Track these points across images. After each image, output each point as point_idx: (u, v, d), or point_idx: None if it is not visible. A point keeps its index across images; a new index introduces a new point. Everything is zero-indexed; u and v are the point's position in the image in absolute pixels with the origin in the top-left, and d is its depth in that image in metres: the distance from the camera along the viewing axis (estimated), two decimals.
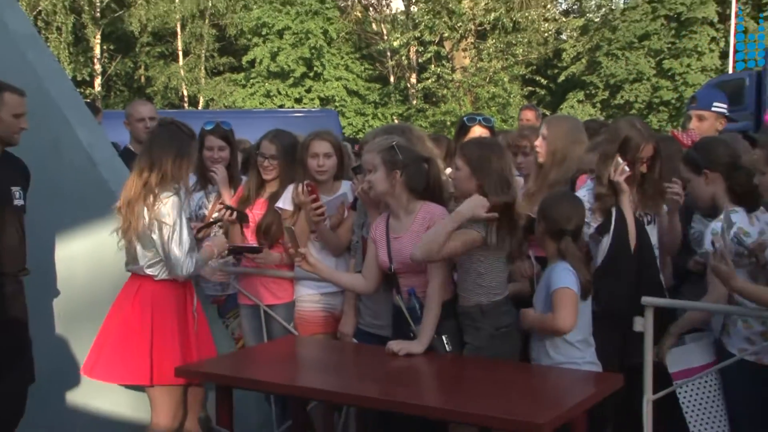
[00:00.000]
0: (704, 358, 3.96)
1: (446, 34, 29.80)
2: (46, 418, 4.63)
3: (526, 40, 29.28)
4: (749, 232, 3.80)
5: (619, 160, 3.94)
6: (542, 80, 30.13)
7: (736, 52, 23.74)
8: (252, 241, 4.75)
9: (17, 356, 4.30)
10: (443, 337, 3.85)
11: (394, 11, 33.94)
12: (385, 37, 32.08)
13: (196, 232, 4.52)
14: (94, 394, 4.67)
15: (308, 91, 30.14)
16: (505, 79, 28.61)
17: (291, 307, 4.68)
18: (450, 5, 29.14)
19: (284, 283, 4.71)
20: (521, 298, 4.06)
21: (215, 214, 4.73)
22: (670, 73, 27.34)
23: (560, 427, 3.18)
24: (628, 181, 3.95)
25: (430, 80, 29.53)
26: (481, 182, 3.79)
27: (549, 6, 31.63)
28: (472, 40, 30.45)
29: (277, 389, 4.03)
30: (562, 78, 29.88)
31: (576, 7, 33.96)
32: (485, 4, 29.48)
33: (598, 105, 28.97)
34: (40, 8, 28.12)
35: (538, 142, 4.50)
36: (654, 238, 4.14)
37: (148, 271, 4.11)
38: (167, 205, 4.03)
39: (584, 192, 4.03)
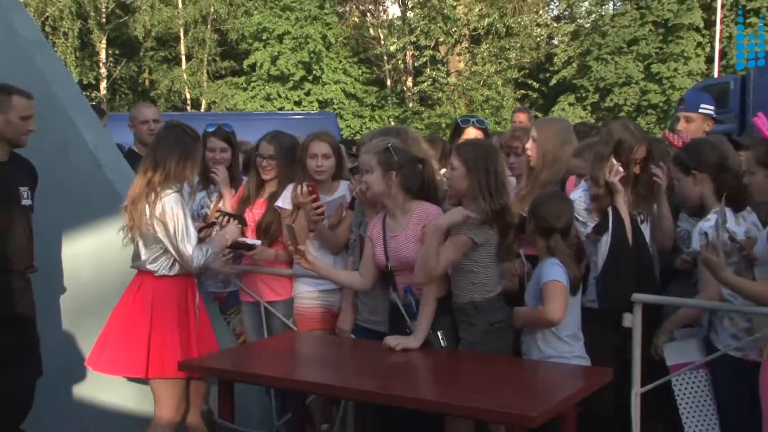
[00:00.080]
0: (701, 353, 3.96)
1: (441, 39, 29.82)
2: (54, 411, 4.63)
3: (518, 44, 29.30)
4: (735, 231, 3.81)
5: (614, 161, 3.95)
6: (534, 84, 30.16)
7: (721, 56, 23.83)
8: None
9: (25, 351, 4.30)
10: (438, 333, 3.86)
11: (390, 17, 34.00)
12: (382, 42, 32.09)
13: (198, 232, 4.51)
14: (100, 388, 4.66)
15: (307, 94, 30.14)
16: (499, 83, 28.64)
17: (290, 304, 4.68)
18: (445, 11, 29.17)
19: (284, 280, 4.71)
20: (510, 295, 4.06)
21: (213, 220, 4.73)
22: (657, 77, 27.39)
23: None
24: (623, 181, 3.95)
25: (425, 83, 29.55)
26: (475, 182, 3.79)
27: (541, 12, 31.65)
28: (467, 45, 30.47)
29: (277, 383, 4.03)
30: (553, 81, 29.90)
31: (567, 13, 33.96)
32: (479, 10, 29.50)
33: (589, 108, 29.02)
34: (47, 14, 28.08)
35: (529, 145, 4.50)
36: (647, 237, 4.15)
37: (150, 267, 4.11)
38: (169, 202, 4.03)
39: (580, 193, 4.03)
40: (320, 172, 4.55)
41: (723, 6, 25.44)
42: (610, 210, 3.92)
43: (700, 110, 5.05)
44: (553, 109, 29.17)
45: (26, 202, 4.30)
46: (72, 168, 4.70)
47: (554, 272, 3.79)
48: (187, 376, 4.15)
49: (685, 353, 3.98)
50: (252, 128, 8.15)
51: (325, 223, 4.48)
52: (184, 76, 30.64)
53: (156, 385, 4.12)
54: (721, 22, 25.32)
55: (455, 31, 29.46)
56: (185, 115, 20.51)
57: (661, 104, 27.24)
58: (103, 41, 30.39)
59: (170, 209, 4.02)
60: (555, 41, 31.79)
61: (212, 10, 30.76)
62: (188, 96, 31.06)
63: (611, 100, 28.04)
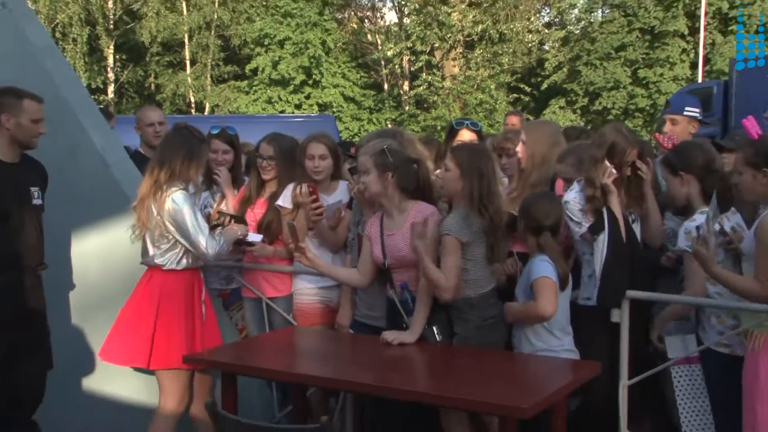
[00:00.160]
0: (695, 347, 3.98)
1: (437, 45, 29.83)
2: (64, 402, 4.62)
3: (511, 50, 29.30)
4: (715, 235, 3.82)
5: (607, 163, 3.95)
6: (526, 88, 30.20)
7: (705, 62, 23.87)
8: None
9: (37, 345, 4.30)
10: (434, 328, 3.85)
11: (387, 23, 33.97)
12: (380, 47, 32.07)
13: None
14: (109, 380, 4.66)
15: (307, 97, 30.13)
16: (492, 87, 28.67)
17: (291, 300, 4.68)
18: (440, 17, 29.18)
19: (284, 277, 4.71)
20: (500, 290, 4.06)
21: (215, 222, 4.73)
22: (644, 82, 27.44)
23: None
24: (616, 183, 3.95)
25: (421, 87, 29.55)
26: (467, 185, 3.79)
27: (532, 19, 31.66)
28: (461, 50, 30.48)
29: (279, 376, 4.03)
30: (544, 86, 29.94)
31: (558, 20, 33.99)
32: (473, 17, 29.52)
33: (578, 111, 29.07)
34: (57, 21, 28.07)
35: (519, 147, 4.51)
36: (638, 236, 4.15)
37: (158, 261, 4.11)
38: (176, 198, 4.03)
39: (574, 194, 4.03)
40: (317, 173, 4.54)
41: (706, 14, 25.51)
42: (604, 210, 3.92)
43: (685, 113, 5.05)
44: (544, 112, 29.20)
45: (37, 201, 4.29)
46: (80, 168, 4.70)
47: (544, 269, 3.80)
48: (192, 368, 4.14)
49: (685, 346, 3.99)
50: (254, 130, 8.13)
51: (324, 222, 4.47)
52: (189, 80, 30.62)
53: (161, 375, 4.12)
54: (705, 30, 25.39)
55: (450, 37, 29.47)
56: (189, 118, 20.48)
57: (647, 108, 27.29)
58: (111, 47, 30.37)
59: (178, 205, 4.02)
60: (546, 47, 31.81)
61: (216, 16, 30.75)
62: (192, 99, 31.04)
63: (600, 103, 28.09)
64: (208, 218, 4.92)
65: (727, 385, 3.77)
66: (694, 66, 26.56)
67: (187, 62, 31.29)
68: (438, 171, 4.35)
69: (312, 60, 29.55)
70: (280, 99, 29.91)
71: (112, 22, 30.29)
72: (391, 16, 34.10)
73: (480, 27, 29.16)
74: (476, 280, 3.84)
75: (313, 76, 29.99)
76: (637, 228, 4.13)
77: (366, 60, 32.66)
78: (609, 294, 3.85)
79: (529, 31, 30.68)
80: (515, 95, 30.29)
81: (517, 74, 30.44)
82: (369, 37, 33.94)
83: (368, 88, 32.07)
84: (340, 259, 4.56)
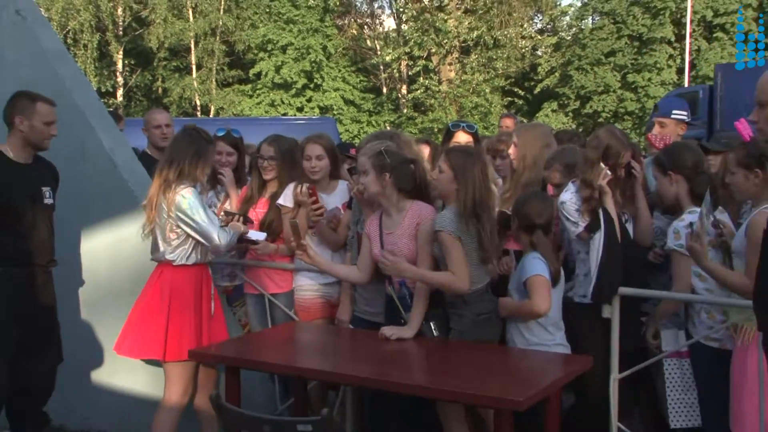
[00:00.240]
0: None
1: (433, 50, 29.85)
2: (73, 394, 4.62)
3: (505, 55, 29.34)
4: (708, 230, 3.80)
5: (602, 165, 3.94)
6: (520, 91, 30.24)
7: (691, 67, 23.88)
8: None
9: (47, 339, 4.30)
10: (431, 323, 3.84)
11: (386, 29, 33.97)
12: (379, 53, 32.09)
13: None
14: (116, 373, 4.66)
15: (309, 100, 30.15)
16: (487, 90, 28.69)
17: (292, 296, 4.66)
18: (437, 24, 29.20)
19: (285, 274, 4.69)
20: (493, 286, 4.05)
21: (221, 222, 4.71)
22: (633, 86, 27.49)
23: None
24: (610, 184, 3.94)
25: (419, 91, 29.58)
26: (461, 187, 3.78)
27: (526, 25, 31.70)
28: (457, 55, 30.52)
29: (280, 370, 4.01)
30: (537, 89, 29.96)
31: (550, 26, 34.02)
32: (468, 23, 29.56)
33: (570, 114, 29.11)
34: (69, 28, 28.10)
35: (511, 150, 4.50)
36: (631, 235, 4.15)
37: (168, 257, 4.09)
38: (185, 195, 4.01)
39: (569, 195, 4.02)
40: (314, 172, 4.53)
41: (692, 22, 25.54)
42: (600, 210, 3.91)
43: (673, 116, 5.04)
44: (537, 115, 29.23)
45: (48, 201, 4.29)
46: (90, 169, 4.69)
47: (537, 267, 3.79)
48: (198, 361, 4.13)
49: (677, 341, 3.99)
50: (257, 132, 8.09)
51: (323, 222, 4.46)
52: (195, 84, 30.64)
53: (170, 367, 4.10)
54: (690, 36, 25.42)
55: (446, 42, 29.49)
56: (195, 120, 20.42)
57: (636, 111, 27.33)
58: (120, 52, 30.41)
59: (188, 200, 4.01)
60: (539, 52, 31.85)
61: (221, 23, 30.79)
62: (198, 102, 31.05)
63: (591, 107, 28.13)
64: None
65: (716, 379, 3.76)
66: (680, 71, 26.60)
67: (193, 67, 31.31)
68: (433, 172, 4.33)
69: (313, 64, 29.57)
70: (283, 102, 29.92)
71: (121, 28, 30.33)
72: (389, 23, 34.15)
73: (475, 33, 29.21)
74: (471, 276, 3.82)
75: (315, 80, 30.01)
76: (630, 227, 4.12)
77: (365, 65, 32.66)
78: (604, 291, 3.84)
79: (523, 37, 30.73)
80: (509, 99, 30.32)
81: (511, 78, 30.48)
82: (368, 42, 33.94)
83: (367, 92, 32.08)
84: (339, 257, 4.55)
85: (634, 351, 3.98)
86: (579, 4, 31.84)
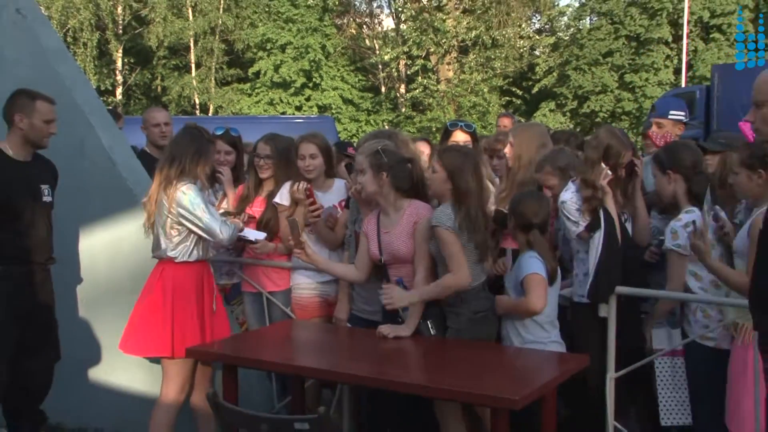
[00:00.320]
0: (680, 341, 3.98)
1: (432, 50, 29.85)
2: (71, 393, 4.61)
3: (503, 55, 29.36)
4: (708, 224, 3.82)
5: (603, 165, 3.94)
6: (518, 91, 30.25)
7: (688, 68, 23.88)
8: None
9: (45, 337, 4.28)
10: (428, 322, 3.83)
11: (385, 29, 33.97)
12: (377, 52, 32.09)
13: None
14: (113, 371, 4.66)
15: (307, 99, 30.15)
16: (485, 90, 28.69)
17: (289, 294, 4.65)
18: (435, 24, 29.19)
19: (282, 272, 4.69)
20: (489, 284, 4.05)
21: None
22: (630, 86, 27.50)
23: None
24: (610, 183, 3.94)
25: (417, 90, 29.58)
26: (454, 185, 3.78)
27: (524, 25, 31.71)
28: (455, 55, 30.51)
29: (278, 368, 4.01)
30: (535, 89, 29.98)
31: (548, 26, 34.03)
32: (467, 23, 29.56)
33: (568, 114, 29.13)
34: (68, 26, 28.08)
35: (507, 149, 4.50)
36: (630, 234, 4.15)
37: (170, 254, 4.08)
38: (186, 191, 4.01)
39: (570, 194, 4.02)
40: (308, 171, 4.53)
41: (689, 22, 25.56)
42: (601, 210, 3.90)
43: (670, 116, 5.03)
44: (535, 114, 29.24)
45: (47, 199, 4.28)
46: (89, 166, 4.68)
47: (533, 265, 3.79)
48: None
49: (670, 339, 4.00)
50: (256, 131, 8.07)
51: (321, 221, 4.45)
52: (194, 82, 30.62)
53: (169, 364, 4.09)
54: (687, 37, 25.44)
55: (445, 42, 29.49)
56: (194, 119, 20.43)
57: (634, 111, 27.35)
58: (120, 51, 30.39)
59: (188, 195, 4.00)
60: (537, 52, 31.86)
61: (220, 22, 30.77)
62: (197, 101, 31.03)
63: (588, 106, 28.14)
64: None
65: (711, 378, 3.77)
66: (677, 71, 26.63)
67: (193, 65, 31.29)
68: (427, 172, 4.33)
69: (312, 64, 29.56)
70: (282, 101, 29.92)
71: (121, 27, 30.31)
72: (388, 22, 34.15)
73: (473, 33, 29.21)
74: (470, 270, 3.81)
75: (313, 79, 30.01)
76: (629, 227, 4.12)
77: (364, 64, 32.66)
78: (600, 290, 3.84)
79: (521, 37, 30.74)
80: (507, 98, 30.33)
81: (509, 78, 30.50)
82: (367, 42, 33.94)
83: (366, 91, 32.08)
84: (337, 256, 4.54)
85: (633, 350, 3.98)
86: (577, 4, 31.95)
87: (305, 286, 4.56)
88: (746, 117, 2.73)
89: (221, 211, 4.74)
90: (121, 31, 30.32)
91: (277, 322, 4.62)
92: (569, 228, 4.01)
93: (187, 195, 4.00)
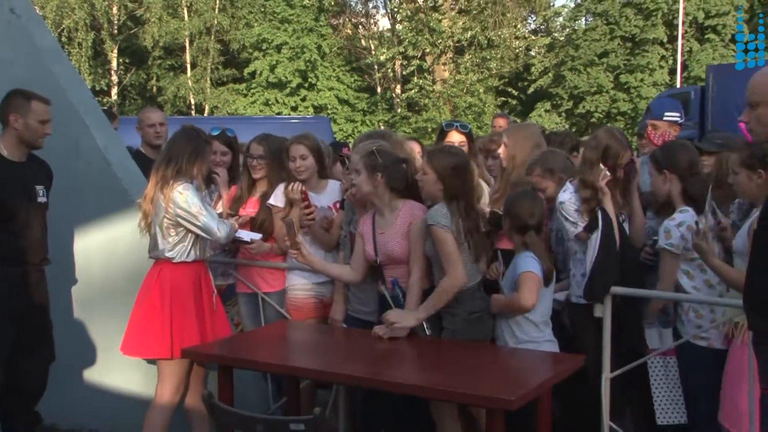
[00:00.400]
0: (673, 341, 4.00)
1: (428, 50, 29.86)
2: (66, 394, 4.60)
3: (499, 55, 29.36)
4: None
5: (601, 166, 3.94)
6: (513, 91, 30.26)
7: (683, 68, 23.91)
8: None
9: (40, 338, 4.27)
10: (424, 323, 3.83)
11: (381, 29, 33.98)
12: (373, 52, 32.09)
13: None
14: (108, 372, 4.64)
15: (303, 100, 30.12)
16: (481, 90, 28.69)
17: (283, 295, 4.65)
18: (431, 24, 29.20)
19: (277, 273, 4.68)
20: (484, 285, 4.05)
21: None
22: (626, 87, 27.54)
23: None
24: (609, 184, 3.94)
25: (413, 91, 29.57)
26: (445, 186, 3.78)
27: (519, 26, 31.72)
28: (451, 55, 30.52)
29: (273, 369, 4.00)
30: (531, 90, 30.00)
31: (543, 27, 34.06)
32: (462, 24, 29.57)
33: (563, 114, 29.15)
34: (63, 26, 28.01)
35: (501, 150, 4.50)
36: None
37: (168, 255, 4.07)
38: (183, 190, 4.00)
39: (568, 195, 4.02)
40: (300, 173, 4.52)
41: (683, 23, 25.61)
42: (599, 210, 3.91)
43: (665, 118, 5.05)
44: (530, 115, 29.26)
45: (42, 199, 4.27)
46: (84, 167, 4.67)
47: (529, 264, 3.80)
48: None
49: (662, 339, 4.00)
50: (252, 131, 8.06)
51: (317, 221, 4.44)
52: (189, 83, 30.57)
53: (164, 365, 4.08)
54: (682, 38, 25.49)
55: (440, 42, 29.49)
56: (190, 119, 20.42)
57: (629, 112, 27.39)
58: (115, 51, 30.35)
59: (185, 194, 3.99)
60: (532, 53, 31.89)
61: (216, 22, 30.73)
62: (193, 101, 30.99)
63: (584, 107, 28.17)
64: None
65: (704, 377, 3.79)
66: (672, 72, 26.67)
67: (188, 66, 31.25)
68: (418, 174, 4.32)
69: (308, 64, 29.54)
70: (277, 101, 29.90)
71: (116, 27, 30.27)
72: (384, 23, 34.15)
73: (469, 33, 29.22)
74: (466, 269, 3.81)
75: (309, 80, 29.99)
76: (626, 228, 4.13)
77: (360, 64, 32.66)
78: (596, 290, 3.85)
79: (516, 38, 30.76)
80: (503, 98, 30.34)
81: (505, 78, 30.51)
82: (363, 42, 33.95)
83: (362, 91, 32.08)
84: (332, 257, 4.54)
85: (629, 351, 3.99)
86: (572, 5, 31.94)
87: (301, 286, 4.56)
88: (741, 117, 2.73)
89: (218, 212, 4.74)
90: (116, 31, 30.28)
91: (272, 322, 4.61)
92: (567, 229, 4.01)
93: (183, 194, 4.00)
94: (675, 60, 26.02)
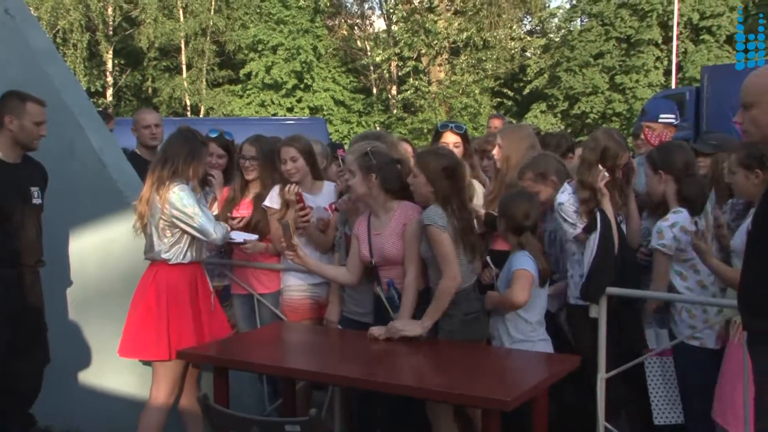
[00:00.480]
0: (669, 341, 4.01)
1: (423, 51, 29.86)
2: (60, 395, 4.59)
3: (494, 56, 29.37)
4: (690, 231, 3.83)
5: (600, 167, 3.95)
6: (509, 92, 30.28)
7: (678, 69, 23.94)
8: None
9: (34, 340, 4.27)
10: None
11: (376, 30, 33.96)
12: (369, 53, 32.07)
13: None
14: (103, 374, 4.64)
15: (299, 101, 30.11)
16: (476, 91, 28.71)
17: (278, 296, 4.64)
18: (427, 25, 29.20)
19: (272, 274, 4.68)
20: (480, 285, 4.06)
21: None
22: (621, 87, 27.57)
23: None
24: (608, 185, 3.95)
25: (408, 92, 29.57)
26: (435, 188, 3.78)
27: (515, 27, 31.73)
28: (447, 56, 30.53)
29: (269, 370, 4.00)
30: (526, 90, 30.01)
31: (539, 28, 34.09)
32: (458, 25, 29.59)
33: (559, 115, 29.18)
34: (58, 27, 27.97)
35: (496, 151, 4.51)
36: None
37: (164, 256, 4.06)
38: (179, 191, 3.99)
39: (567, 196, 4.02)
40: (292, 175, 4.51)
41: (678, 24, 25.66)
42: (597, 212, 3.92)
43: (660, 119, 5.05)
44: (526, 116, 29.28)
45: (37, 201, 4.27)
46: (79, 168, 4.67)
47: (523, 262, 3.81)
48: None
49: (658, 340, 4.02)
50: (247, 133, 8.04)
51: (312, 223, 4.44)
52: (185, 84, 30.54)
53: (159, 366, 4.08)
54: (677, 39, 25.54)
55: (436, 43, 29.50)
56: (185, 121, 20.37)
57: (624, 112, 27.42)
58: (110, 52, 30.29)
59: (180, 195, 3.99)
60: (528, 54, 31.91)
61: (211, 23, 30.71)
62: (188, 102, 30.96)
63: (579, 108, 28.20)
64: None
65: (699, 376, 3.81)
66: (667, 73, 26.72)
67: (184, 67, 31.22)
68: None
69: (303, 65, 29.54)
70: (273, 102, 29.89)
71: (111, 28, 30.22)
72: (379, 24, 34.13)
73: (465, 34, 29.23)
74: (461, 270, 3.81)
75: (305, 81, 29.98)
76: (624, 229, 4.14)
77: (355, 65, 32.65)
78: (592, 290, 3.85)
79: (512, 39, 30.76)
80: (498, 99, 30.36)
81: (500, 79, 30.53)
82: (358, 43, 33.93)
83: (357, 92, 32.08)
84: (327, 258, 4.53)
85: (629, 352, 4.00)
86: (567, 6, 31.97)
87: (296, 287, 4.55)
88: (735, 118, 2.74)
89: (213, 214, 4.73)
90: (111, 32, 30.22)
91: (267, 324, 4.61)
92: (566, 230, 4.01)
93: (179, 195, 3.99)
94: (670, 61, 26.07)
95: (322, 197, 4.61)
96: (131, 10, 29.97)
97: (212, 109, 30.37)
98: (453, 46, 30.31)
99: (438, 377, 3.39)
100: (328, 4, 31.50)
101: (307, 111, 29.60)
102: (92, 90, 28.47)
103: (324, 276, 4.32)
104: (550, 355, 3.80)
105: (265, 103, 29.92)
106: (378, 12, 34.29)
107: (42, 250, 4.29)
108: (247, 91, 30.74)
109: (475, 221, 4.01)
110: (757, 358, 2.64)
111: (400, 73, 31.39)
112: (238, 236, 4.47)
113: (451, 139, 4.92)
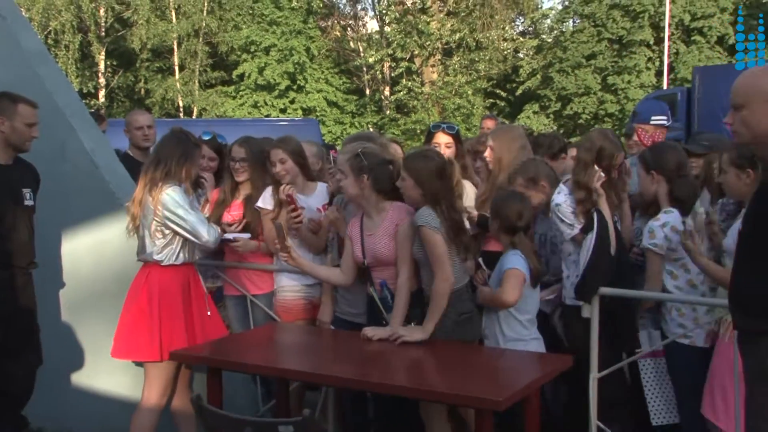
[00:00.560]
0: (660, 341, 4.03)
1: (416, 52, 29.88)
2: (53, 397, 4.58)
3: (487, 57, 29.41)
4: (680, 231, 3.85)
5: (596, 167, 3.96)
6: (502, 93, 30.30)
7: (669, 70, 24.00)
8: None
9: (27, 342, 4.25)
10: (413, 324, 3.83)
11: (369, 31, 33.96)
12: (362, 54, 32.08)
13: None
14: (96, 376, 4.62)
15: (292, 102, 30.09)
16: (469, 92, 28.72)
17: (271, 297, 4.64)
18: (419, 26, 29.23)
19: (265, 275, 4.68)
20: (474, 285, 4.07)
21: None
22: (613, 88, 27.65)
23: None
24: (604, 185, 3.96)
25: (401, 93, 29.57)
26: (425, 192, 3.78)
27: (507, 28, 31.78)
28: (440, 57, 30.55)
29: (262, 371, 4.00)
30: (519, 91, 30.06)
31: (531, 29, 34.14)
32: (451, 26, 29.62)
33: (551, 116, 29.25)
34: (50, 28, 27.88)
35: (487, 152, 4.52)
36: None
37: (156, 257, 4.06)
38: (172, 193, 3.99)
39: (563, 197, 4.03)
40: (282, 176, 4.50)
41: (670, 25, 25.75)
42: (594, 212, 3.92)
43: (652, 121, 5.08)
44: (519, 116, 29.34)
45: (28, 202, 4.25)
46: (71, 170, 4.65)
47: (515, 261, 3.83)
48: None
49: (651, 340, 4.04)
50: (240, 133, 8.05)
51: (305, 224, 4.44)
52: (177, 85, 30.49)
53: (151, 367, 4.07)
54: (669, 39, 25.63)
55: (429, 44, 29.52)
56: (178, 122, 20.35)
57: (616, 113, 27.50)
58: (102, 53, 30.23)
59: (173, 197, 3.99)
60: (520, 54, 31.97)
61: (204, 24, 30.66)
62: (181, 104, 30.90)
63: (571, 108, 28.27)
64: None
65: (691, 375, 3.84)
66: (659, 74, 26.81)
67: (176, 68, 31.16)
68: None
69: (296, 66, 29.52)
70: (266, 103, 29.86)
71: (103, 29, 30.15)
72: (372, 25, 34.13)
73: (457, 35, 29.27)
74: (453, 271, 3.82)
75: (298, 82, 29.97)
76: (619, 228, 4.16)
77: (348, 66, 32.65)
78: (586, 290, 3.86)
79: (505, 40, 30.81)
80: (491, 100, 30.39)
81: (493, 80, 30.56)
82: (351, 44, 33.93)
83: (350, 93, 32.08)
84: (320, 259, 4.53)
85: (621, 352, 4.01)
86: (560, 7, 32.03)
87: (290, 288, 4.55)
88: (725, 119, 2.75)
89: (205, 215, 4.73)
90: (103, 33, 30.15)
91: (261, 325, 4.61)
92: (564, 231, 4.02)
93: (172, 197, 3.99)
94: (662, 62, 26.15)
95: (315, 198, 4.61)
96: (123, 11, 29.91)
97: (205, 110, 30.33)
98: (446, 47, 30.34)
99: (431, 377, 3.40)
100: (321, 5, 31.49)
101: (300, 112, 29.59)
102: (84, 91, 28.39)
103: (318, 277, 4.32)
104: (542, 355, 3.81)
105: (258, 104, 29.90)
106: (371, 13, 34.35)
107: (34, 252, 4.28)
108: (240, 92, 30.72)
109: (467, 222, 4.02)
110: (748, 356, 2.66)
111: (393, 74, 31.39)
112: (229, 234, 4.47)
113: (443, 140, 4.93)
